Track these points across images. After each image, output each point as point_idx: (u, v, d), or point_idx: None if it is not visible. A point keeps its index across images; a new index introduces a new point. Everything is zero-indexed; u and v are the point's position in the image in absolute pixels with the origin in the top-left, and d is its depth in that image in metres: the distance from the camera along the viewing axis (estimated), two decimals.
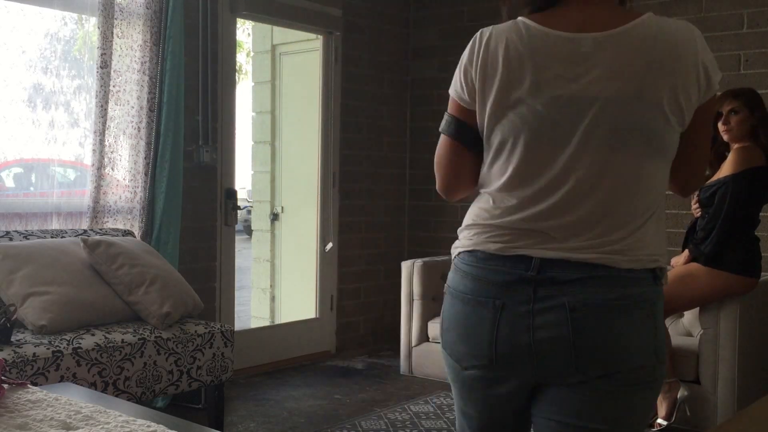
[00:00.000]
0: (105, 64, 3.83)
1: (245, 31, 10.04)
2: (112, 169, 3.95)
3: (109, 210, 3.94)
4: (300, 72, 5.69)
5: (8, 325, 2.90)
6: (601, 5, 1.55)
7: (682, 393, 3.73)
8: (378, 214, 5.63)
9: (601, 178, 1.50)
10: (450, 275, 1.66)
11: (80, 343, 3.01)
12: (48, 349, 2.91)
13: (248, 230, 10.12)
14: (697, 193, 3.88)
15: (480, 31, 1.60)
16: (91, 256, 3.37)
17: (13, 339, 2.94)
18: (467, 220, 1.66)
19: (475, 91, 1.58)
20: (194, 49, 4.34)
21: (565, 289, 1.48)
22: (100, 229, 3.78)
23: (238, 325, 5.24)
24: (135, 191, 4.02)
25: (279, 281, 5.87)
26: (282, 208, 5.79)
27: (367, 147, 5.52)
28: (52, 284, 3.18)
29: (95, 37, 3.87)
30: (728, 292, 3.71)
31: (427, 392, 4.38)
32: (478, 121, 1.60)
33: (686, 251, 3.81)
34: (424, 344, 4.72)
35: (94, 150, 3.85)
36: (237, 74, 5.00)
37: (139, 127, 4.00)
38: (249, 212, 7.66)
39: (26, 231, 3.55)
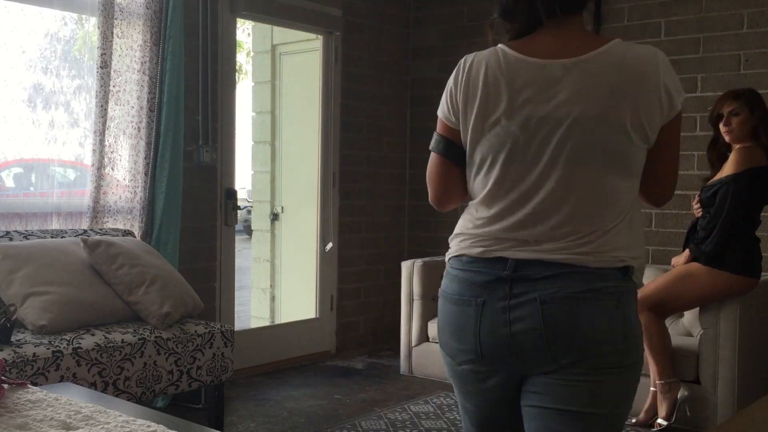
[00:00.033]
0: (105, 64, 3.83)
1: (245, 31, 10.04)
2: (112, 169, 3.95)
3: (109, 210, 3.94)
4: (300, 72, 5.69)
5: (8, 325, 2.90)
6: (572, 33, 1.69)
7: (682, 393, 3.73)
8: (378, 214, 5.63)
9: (568, 191, 1.64)
10: (443, 281, 1.80)
11: (80, 343, 3.01)
12: (48, 349, 2.91)
13: (248, 230, 10.12)
14: (698, 192, 3.88)
15: (464, 57, 1.76)
16: (91, 256, 3.37)
17: (13, 339, 2.94)
18: (456, 229, 1.80)
19: (458, 111, 1.73)
20: (194, 49, 4.34)
21: (536, 285, 1.62)
22: (100, 229, 3.78)
23: (238, 325, 5.24)
24: (135, 191, 4.02)
25: (279, 281, 5.87)
26: (282, 208, 5.79)
27: (367, 147, 5.52)
28: (52, 284, 3.18)
29: (95, 37, 3.87)
30: (728, 292, 3.71)
31: (427, 392, 4.38)
32: (462, 139, 1.74)
33: (687, 251, 3.81)
34: (424, 344, 4.72)
35: (94, 150, 3.85)
36: (237, 74, 5.00)
37: (139, 127, 4.00)
38: (249, 212, 7.66)
39: (26, 231, 3.55)
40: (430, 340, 4.68)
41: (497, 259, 1.67)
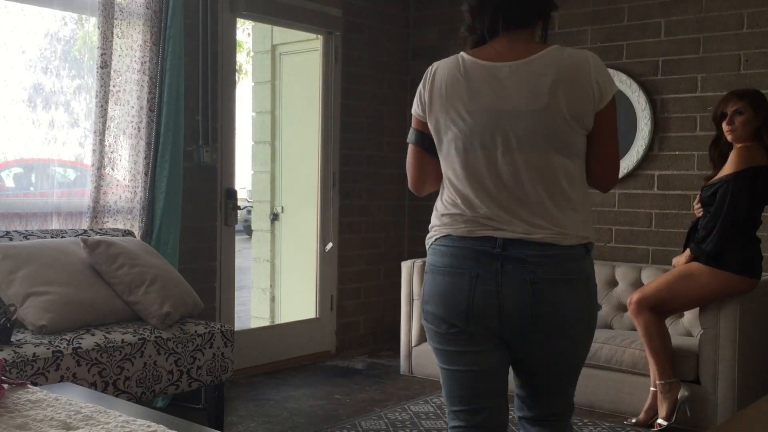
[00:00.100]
0: (105, 64, 3.83)
1: (245, 31, 10.04)
2: (112, 169, 3.95)
3: (109, 210, 3.94)
4: (300, 72, 5.68)
5: (8, 325, 2.90)
6: (520, 42, 2.01)
7: (682, 393, 3.73)
8: (378, 214, 5.63)
9: (525, 174, 1.96)
10: (430, 258, 2.08)
11: (80, 343, 3.01)
12: (48, 349, 2.91)
13: (248, 230, 10.12)
14: (698, 192, 3.88)
15: (431, 65, 2.10)
16: (91, 256, 3.37)
17: (13, 339, 2.94)
18: (434, 215, 2.10)
19: (425, 107, 2.06)
20: (194, 49, 4.34)
21: (525, 265, 1.93)
22: (100, 229, 3.78)
23: (238, 325, 5.24)
24: (135, 191, 4.02)
25: (279, 281, 5.87)
26: (282, 208, 5.79)
27: (367, 147, 5.52)
28: (52, 284, 3.18)
29: (95, 37, 3.87)
30: (729, 292, 3.71)
31: (427, 392, 4.38)
32: (431, 130, 2.06)
33: (687, 250, 3.80)
34: (424, 344, 4.72)
35: (94, 150, 3.85)
36: (237, 74, 5.00)
37: (139, 127, 4.00)
38: (249, 212, 7.65)
39: (26, 231, 3.55)
40: None
41: (486, 238, 1.96)
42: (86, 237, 3.47)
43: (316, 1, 5.06)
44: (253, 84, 6.06)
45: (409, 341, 4.78)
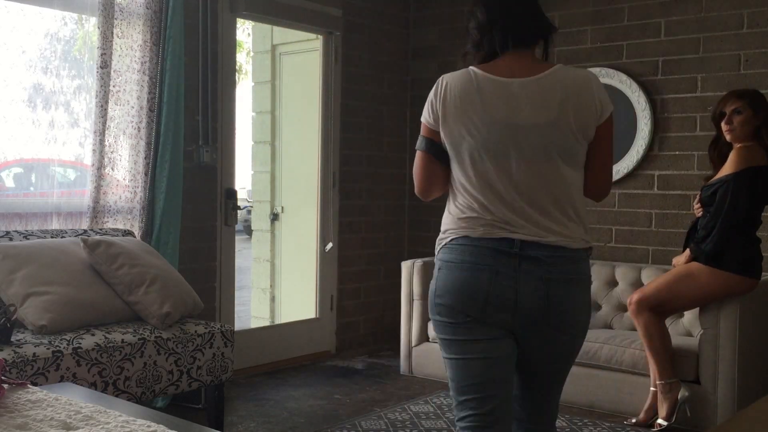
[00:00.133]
0: (105, 64, 3.83)
1: (245, 31, 10.04)
2: (112, 169, 3.95)
3: (109, 210, 3.94)
4: (300, 72, 5.68)
5: (8, 325, 2.90)
6: (525, 59, 2.19)
7: (682, 393, 3.73)
8: (378, 214, 5.63)
9: (537, 182, 2.12)
10: (443, 256, 2.19)
11: (80, 343, 3.01)
12: (48, 349, 2.91)
13: (248, 230, 10.12)
14: (698, 192, 3.88)
15: (441, 77, 2.21)
16: (91, 256, 3.37)
17: (13, 339, 2.94)
18: (447, 219, 2.24)
19: (438, 117, 2.19)
20: (194, 49, 4.34)
21: (540, 264, 2.09)
22: (100, 229, 3.78)
23: (238, 325, 5.24)
24: (135, 191, 4.02)
25: (279, 281, 5.87)
26: (282, 208, 5.79)
27: (367, 147, 5.51)
28: (52, 284, 3.18)
29: (95, 37, 3.87)
30: (729, 292, 3.70)
31: (427, 392, 4.38)
32: (443, 139, 2.19)
33: (687, 250, 3.80)
34: (424, 344, 4.72)
35: (94, 150, 3.85)
36: (237, 74, 5.00)
37: (139, 127, 4.00)
38: (249, 212, 7.65)
39: (26, 231, 3.55)
40: (431, 340, 4.68)
41: (503, 239, 2.10)
42: (86, 237, 3.47)
43: (316, 1, 5.06)
44: (253, 84, 6.06)
45: (409, 341, 4.78)
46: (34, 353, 2.86)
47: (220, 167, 4.55)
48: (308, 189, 5.40)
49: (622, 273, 4.60)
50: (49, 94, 3.81)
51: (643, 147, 4.72)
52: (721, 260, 3.67)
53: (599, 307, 4.62)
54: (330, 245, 5.26)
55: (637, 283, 4.51)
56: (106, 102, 3.86)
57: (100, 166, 3.87)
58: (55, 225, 3.81)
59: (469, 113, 2.13)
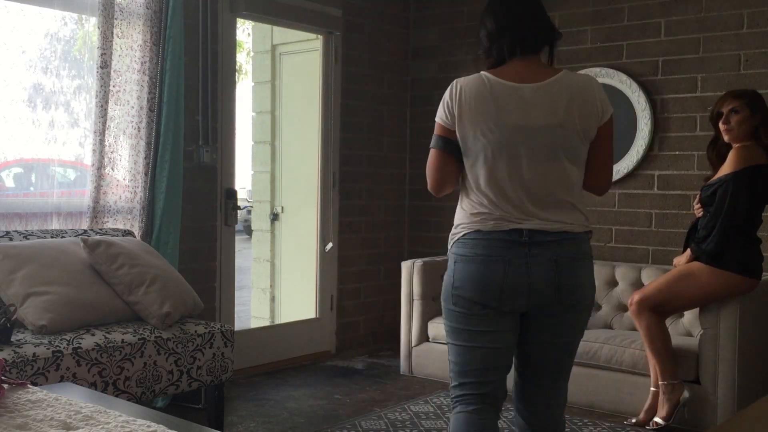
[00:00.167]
0: (105, 64, 3.83)
1: (245, 31, 10.04)
2: (112, 169, 3.95)
3: (109, 210, 3.94)
4: (300, 72, 5.68)
5: (8, 325, 2.90)
6: (533, 65, 2.37)
7: (684, 395, 3.73)
8: (378, 214, 5.63)
9: (543, 179, 2.30)
10: (458, 251, 2.36)
11: (80, 343, 3.01)
12: (48, 349, 2.91)
13: (248, 230, 10.12)
14: (698, 192, 3.88)
15: (455, 80, 2.38)
16: (91, 256, 3.37)
17: (13, 339, 2.94)
18: (460, 214, 2.40)
19: (454, 117, 2.34)
20: (194, 49, 4.34)
21: (548, 247, 2.29)
22: (100, 229, 3.78)
23: (238, 325, 5.24)
24: (135, 191, 4.02)
25: (279, 281, 5.87)
26: (282, 208, 5.79)
27: (367, 147, 5.51)
28: (52, 284, 3.18)
29: (95, 37, 3.87)
30: (730, 292, 3.70)
31: (427, 392, 4.38)
32: (458, 138, 2.34)
33: (688, 251, 3.80)
34: (424, 344, 4.72)
35: (94, 150, 3.85)
36: (237, 74, 5.00)
37: (139, 127, 4.00)
38: (249, 212, 7.65)
39: (26, 231, 3.55)
40: (431, 340, 4.68)
41: (513, 230, 2.29)
42: (86, 237, 3.46)
43: (316, 1, 5.06)
44: (253, 84, 6.06)
45: (409, 341, 4.77)
46: (34, 353, 2.86)
47: (220, 167, 4.55)
48: (308, 189, 5.40)
49: (622, 273, 4.60)
50: (49, 94, 3.81)
51: (643, 147, 4.73)
52: (722, 260, 3.67)
53: (599, 307, 4.62)
54: (330, 245, 5.26)
55: (637, 283, 4.51)
56: (106, 102, 3.86)
57: (100, 166, 3.87)
58: (55, 225, 3.81)
59: (484, 116, 2.30)
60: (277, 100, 5.82)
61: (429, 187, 2.45)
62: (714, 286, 3.69)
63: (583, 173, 2.37)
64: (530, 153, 2.28)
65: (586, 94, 2.31)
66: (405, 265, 4.82)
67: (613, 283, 4.62)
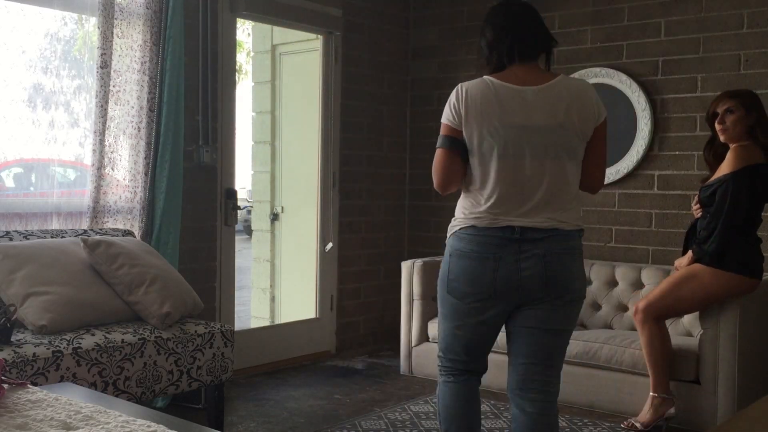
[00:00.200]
0: (105, 64, 3.83)
1: (245, 31, 10.04)
2: (112, 169, 3.95)
3: (109, 210, 3.94)
4: (300, 72, 5.68)
5: (8, 325, 2.90)
6: (532, 70, 2.55)
7: (670, 412, 3.75)
8: (378, 214, 5.63)
9: (544, 177, 2.48)
10: (454, 244, 2.55)
11: (80, 343, 3.01)
12: (48, 349, 2.91)
13: (248, 230, 10.12)
14: (697, 192, 3.87)
15: (460, 84, 2.55)
16: (91, 256, 3.37)
17: (13, 339, 2.94)
18: (460, 208, 2.58)
19: (461, 118, 2.50)
20: (194, 49, 4.34)
21: (537, 244, 2.47)
22: (100, 229, 3.78)
23: (238, 325, 5.24)
24: (135, 191, 4.02)
25: (279, 281, 5.87)
26: (282, 208, 5.79)
27: (367, 147, 5.52)
28: (52, 284, 3.18)
29: (95, 37, 3.87)
30: (731, 292, 3.69)
31: (427, 392, 4.38)
32: (465, 138, 2.51)
33: (689, 252, 3.78)
34: (424, 344, 4.72)
35: (94, 150, 3.85)
36: (237, 74, 5.00)
37: (139, 127, 4.00)
38: (249, 212, 7.65)
39: (26, 231, 3.55)
40: (431, 340, 4.68)
41: (506, 227, 2.47)
42: (86, 237, 3.47)
43: (316, 1, 5.06)
44: (253, 84, 6.06)
45: (409, 341, 4.77)
46: (34, 353, 2.86)
47: (220, 167, 4.55)
48: (308, 189, 5.40)
49: (622, 273, 4.60)
50: (49, 94, 3.81)
51: (643, 147, 4.73)
52: (724, 261, 3.66)
53: (599, 307, 4.62)
54: (330, 245, 5.26)
55: (637, 283, 4.51)
56: (106, 102, 3.86)
57: (100, 166, 3.87)
58: (55, 225, 3.81)
59: (490, 116, 2.47)
60: (277, 100, 5.82)
61: (435, 185, 2.58)
62: (716, 287, 3.68)
63: (581, 172, 2.55)
64: (533, 152, 2.45)
65: (584, 97, 2.50)
66: (405, 265, 4.82)
67: (613, 283, 4.62)
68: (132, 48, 3.98)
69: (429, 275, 4.69)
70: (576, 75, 4.92)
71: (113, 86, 3.90)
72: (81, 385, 2.86)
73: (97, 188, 3.87)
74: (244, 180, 7.99)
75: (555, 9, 5.03)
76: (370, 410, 4.05)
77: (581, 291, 2.56)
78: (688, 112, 4.61)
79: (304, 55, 5.60)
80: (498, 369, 3.16)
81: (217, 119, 4.52)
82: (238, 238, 4.86)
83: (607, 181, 4.84)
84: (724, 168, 3.68)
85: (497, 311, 2.53)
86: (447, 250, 2.59)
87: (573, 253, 2.51)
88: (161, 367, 3.24)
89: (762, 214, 3.75)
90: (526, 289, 2.47)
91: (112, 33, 3.87)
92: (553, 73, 2.58)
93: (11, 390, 1.97)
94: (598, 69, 4.85)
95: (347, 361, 5.16)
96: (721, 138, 3.72)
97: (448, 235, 2.60)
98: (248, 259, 7.41)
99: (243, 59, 10.75)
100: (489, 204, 2.49)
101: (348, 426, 3.76)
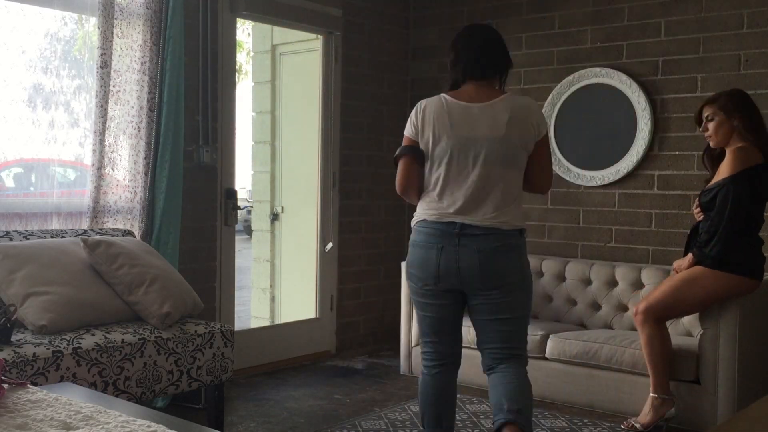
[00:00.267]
0: (105, 64, 3.83)
1: (245, 31, 10.04)
2: (112, 169, 3.95)
3: (109, 210, 3.94)
4: (300, 72, 5.68)
5: (8, 325, 2.90)
6: (484, 88, 2.95)
7: (670, 412, 3.75)
8: (378, 214, 5.63)
9: (486, 182, 2.86)
10: (412, 236, 2.98)
11: (80, 343, 3.01)
12: (48, 349, 2.91)
13: (248, 230, 10.12)
14: (697, 196, 3.86)
15: (419, 102, 3.00)
16: (91, 256, 3.37)
17: (13, 339, 2.94)
18: (418, 207, 2.99)
19: (418, 130, 2.97)
20: (194, 49, 4.34)
21: (474, 239, 2.84)
22: (100, 229, 3.78)
23: (238, 325, 5.24)
24: (135, 191, 4.02)
25: (279, 281, 5.87)
26: (282, 208, 5.79)
27: (367, 147, 5.52)
28: (52, 284, 3.18)
29: (95, 37, 3.87)
30: (732, 294, 3.69)
31: None
32: (422, 147, 2.95)
33: (689, 255, 3.77)
34: None
35: (94, 150, 3.85)
36: (237, 74, 5.00)
37: (139, 127, 4.00)
38: (249, 212, 7.65)
39: (26, 231, 3.55)
40: None
41: (449, 222, 2.87)
42: (86, 237, 3.47)
43: (316, 1, 5.06)
44: (253, 84, 6.06)
45: (409, 341, 4.77)
46: (34, 353, 2.86)
47: (220, 167, 4.55)
48: (308, 189, 5.40)
49: (622, 273, 4.59)
50: (49, 94, 3.81)
51: (643, 147, 4.72)
52: (726, 263, 3.65)
53: (599, 307, 4.62)
54: (330, 245, 5.26)
55: (637, 283, 4.50)
56: (106, 102, 3.86)
57: (100, 166, 3.87)
58: (55, 225, 3.81)
59: (441, 129, 2.89)
60: (277, 100, 5.82)
61: (398, 190, 3.03)
62: (717, 288, 3.67)
63: (522, 177, 2.93)
64: (476, 159, 2.85)
65: (525, 113, 2.88)
66: (405, 265, 4.81)
67: (613, 283, 4.62)
68: (132, 48, 3.98)
69: None
70: (576, 75, 4.93)
71: (113, 86, 3.90)
72: (81, 385, 2.86)
73: (97, 188, 3.87)
74: (244, 180, 7.99)
75: (555, 9, 5.03)
76: (370, 410, 4.05)
77: (518, 283, 2.89)
78: (688, 112, 4.61)
79: (304, 55, 5.60)
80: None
81: (217, 119, 4.52)
82: (238, 238, 4.86)
83: (607, 181, 4.86)
84: (724, 171, 3.67)
85: (446, 292, 2.90)
86: (410, 242, 3.00)
87: (509, 250, 2.85)
88: (161, 367, 3.24)
89: (763, 214, 3.75)
90: (463, 276, 2.85)
91: (112, 33, 3.87)
92: (502, 91, 2.97)
93: (11, 390, 1.97)
94: (598, 69, 4.85)
95: (347, 361, 5.16)
96: (711, 144, 3.73)
97: (412, 227, 3.01)
98: (248, 259, 7.41)
99: (243, 59, 10.74)
100: (438, 202, 2.90)
101: (348, 426, 3.76)
